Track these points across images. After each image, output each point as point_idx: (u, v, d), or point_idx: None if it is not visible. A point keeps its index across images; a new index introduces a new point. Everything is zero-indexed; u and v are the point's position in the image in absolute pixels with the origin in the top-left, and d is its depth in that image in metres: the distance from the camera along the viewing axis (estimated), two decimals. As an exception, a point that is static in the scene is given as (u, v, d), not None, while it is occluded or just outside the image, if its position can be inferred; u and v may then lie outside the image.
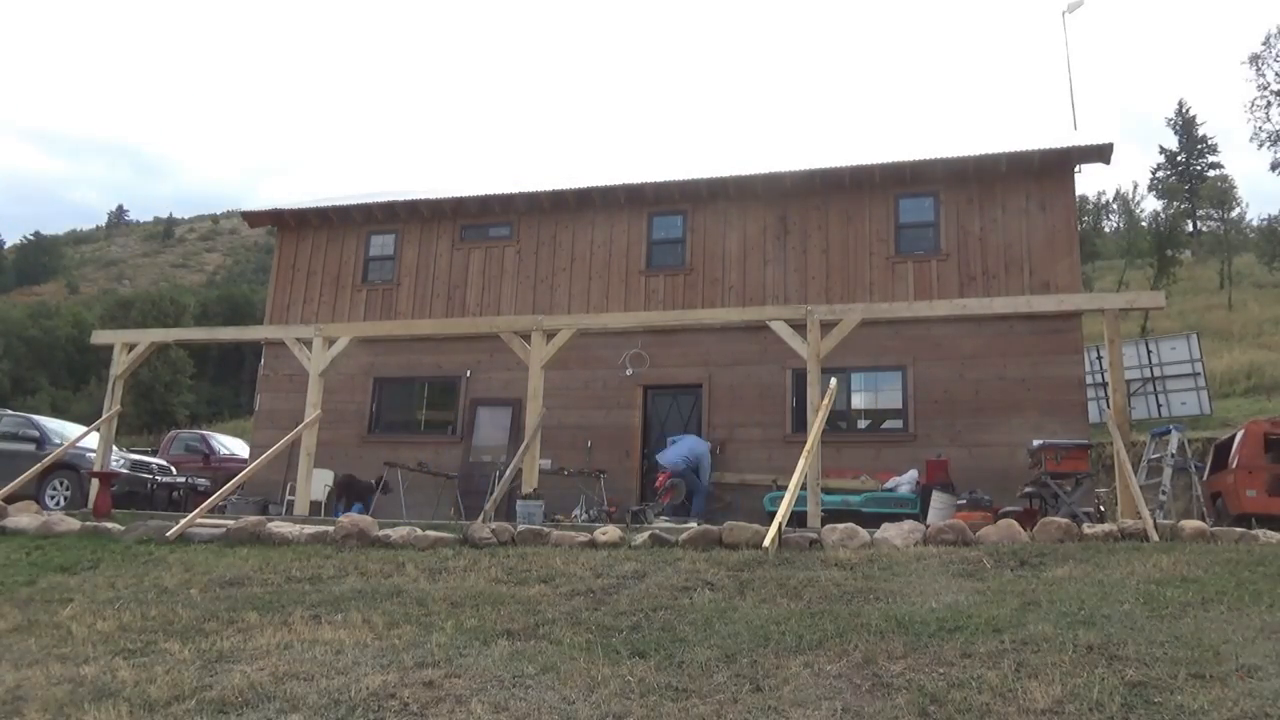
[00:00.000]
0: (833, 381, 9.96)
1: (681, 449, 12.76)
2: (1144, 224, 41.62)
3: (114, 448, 13.41)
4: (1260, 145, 46.08)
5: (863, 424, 13.68)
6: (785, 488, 8.90)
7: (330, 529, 8.28)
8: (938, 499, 11.19)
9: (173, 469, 16.42)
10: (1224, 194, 48.48)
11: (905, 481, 12.05)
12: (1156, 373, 21.82)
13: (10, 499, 10.41)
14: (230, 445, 19.95)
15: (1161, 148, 66.13)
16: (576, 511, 12.83)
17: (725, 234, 14.79)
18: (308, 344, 11.78)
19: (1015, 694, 3.68)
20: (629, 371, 14.35)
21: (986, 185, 13.91)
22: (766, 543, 7.09)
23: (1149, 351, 22.11)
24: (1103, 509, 11.54)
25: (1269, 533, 7.53)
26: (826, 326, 10.05)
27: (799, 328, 10.19)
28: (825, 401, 9.58)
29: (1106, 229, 47.45)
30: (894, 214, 14.19)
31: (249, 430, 17.89)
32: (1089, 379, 16.94)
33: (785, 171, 14.60)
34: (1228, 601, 4.97)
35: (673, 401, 14.46)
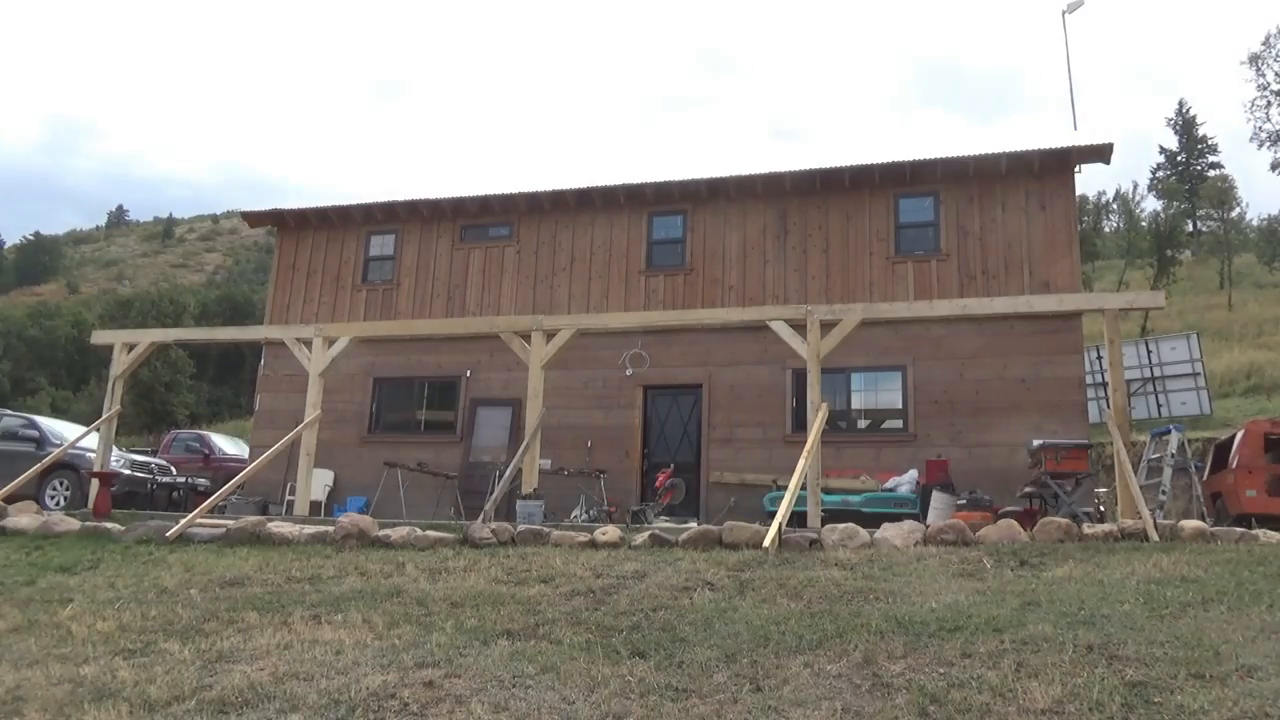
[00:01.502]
0: (824, 407, 9.73)
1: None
2: (1144, 224, 41.63)
3: (114, 448, 13.40)
4: (1260, 145, 46.11)
5: (863, 424, 13.68)
6: (785, 488, 8.90)
7: (330, 529, 8.28)
8: (938, 499, 11.19)
9: (172, 469, 16.42)
10: (1224, 194, 48.47)
11: (905, 481, 12.05)
12: (1156, 373, 21.82)
13: (10, 499, 10.41)
14: (228, 448, 19.94)
15: (1161, 148, 66.12)
16: (576, 512, 12.83)
17: (725, 234, 14.79)
18: (308, 344, 11.77)
19: (1015, 694, 3.68)
20: (629, 371, 14.36)
21: (986, 185, 13.91)
22: (766, 543, 7.10)
23: (1149, 351, 22.11)
24: (1103, 509, 11.53)
25: (1269, 533, 7.54)
26: (826, 326, 10.05)
27: (799, 328, 10.18)
28: (818, 420, 9.49)
29: (1106, 229, 47.43)
30: (894, 214, 14.19)
31: (249, 430, 17.89)
32: (1089, 379, 16.93)
33: (785, 171, 14.60)
34: (1228, 601, 4.97)
35: (673, 401, 14.46)
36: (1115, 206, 46.41)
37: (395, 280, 16.20)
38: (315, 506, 13.06)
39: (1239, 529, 7.75)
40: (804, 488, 9.06)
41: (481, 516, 9.17)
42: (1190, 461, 13.07)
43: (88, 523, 9.21)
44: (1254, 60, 44.20)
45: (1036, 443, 10.77)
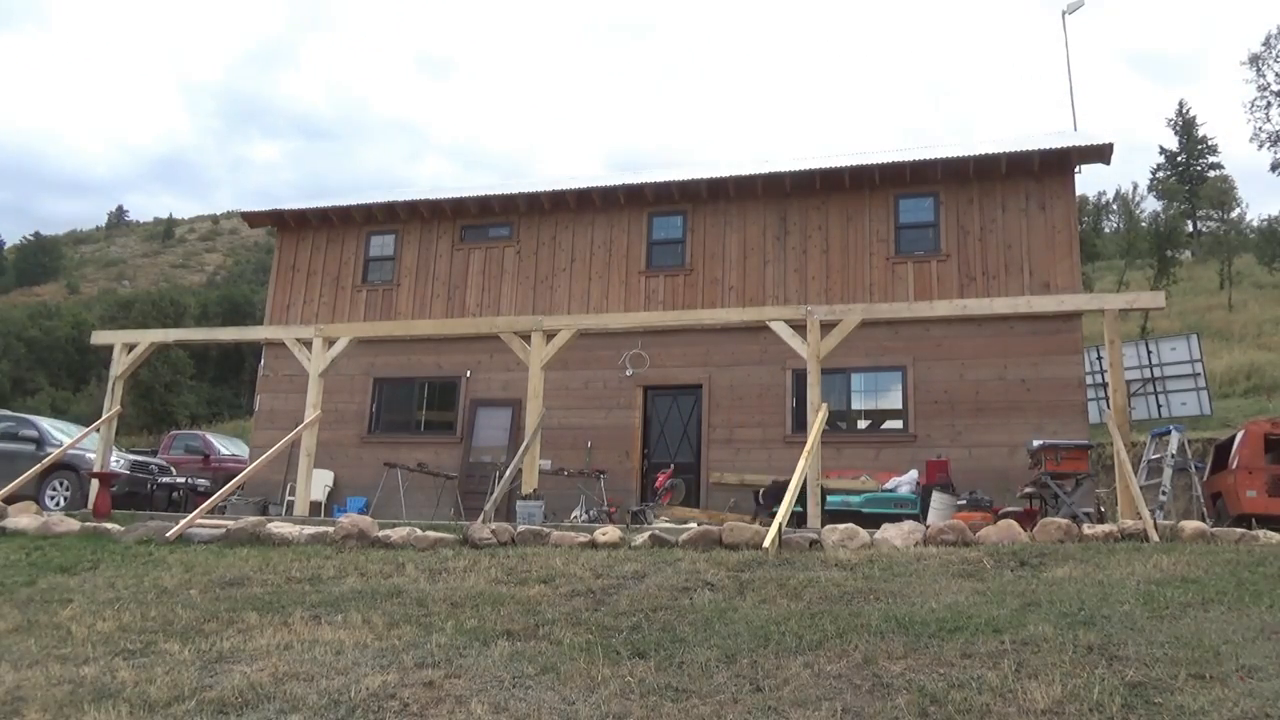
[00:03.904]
0: (824, 407, 9.76)
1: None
2: (1144, 224, 41.62)
3: (114, 448, 13.40)
4: (1260, 145, 46.05)
5: (863, 424, 13.69)
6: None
7: (330, 529, 8.28)
8: (938, 499, 11.19)
9: (172, 469, 16.42)
10: (1224, 194, 48.50)
11: (905, 482, 12.04)
12: (1156, 373, 21.80)
13: (10, 499, 10.41)
14: (227, 448, 19.93)
15: (1161, 148, 66.01)
16: (576, 512, 12.84)
17: (725, 234, 14.80)
18: (308, 344, 11.78)
19: (1015, 694, 3.69)
20: (629, 371, 14.36)
21: (986, 185, 13.92)
22: (766, 543, 7.10)
23: (1149, 352, 22.08)
24: (1103, 509, 11.54)
25: (1269, 533, 7.53)
26: (826, 327, 10.06)
27: (799, 328, 10.19)
28: (818, 420, 9.50)
29: (1106, 229, 47.46)
30: (894, 214, 14.19)
31: (249, 430, 17.89)
32: (1089, 379, 16.93)
33: (785, 171, 14.61)
34: (1228, 602, 4.97)
35: (673, 401, 14.46)
36: (1115, 207, 46.47)
37: (395, 281, 16.20)
38: (315, 507, 13.06)
39: (1239, 529, 7.75)
40: (804, 488, 9.06)
41: (481, 517, 9.17)
42: (1190, 462, 13.06)
43: (88, 523, 9.21)
44: (1254, 60, 44.15)
45: (1037, 443, 10.77)
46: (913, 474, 12.16)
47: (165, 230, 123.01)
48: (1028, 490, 10.95)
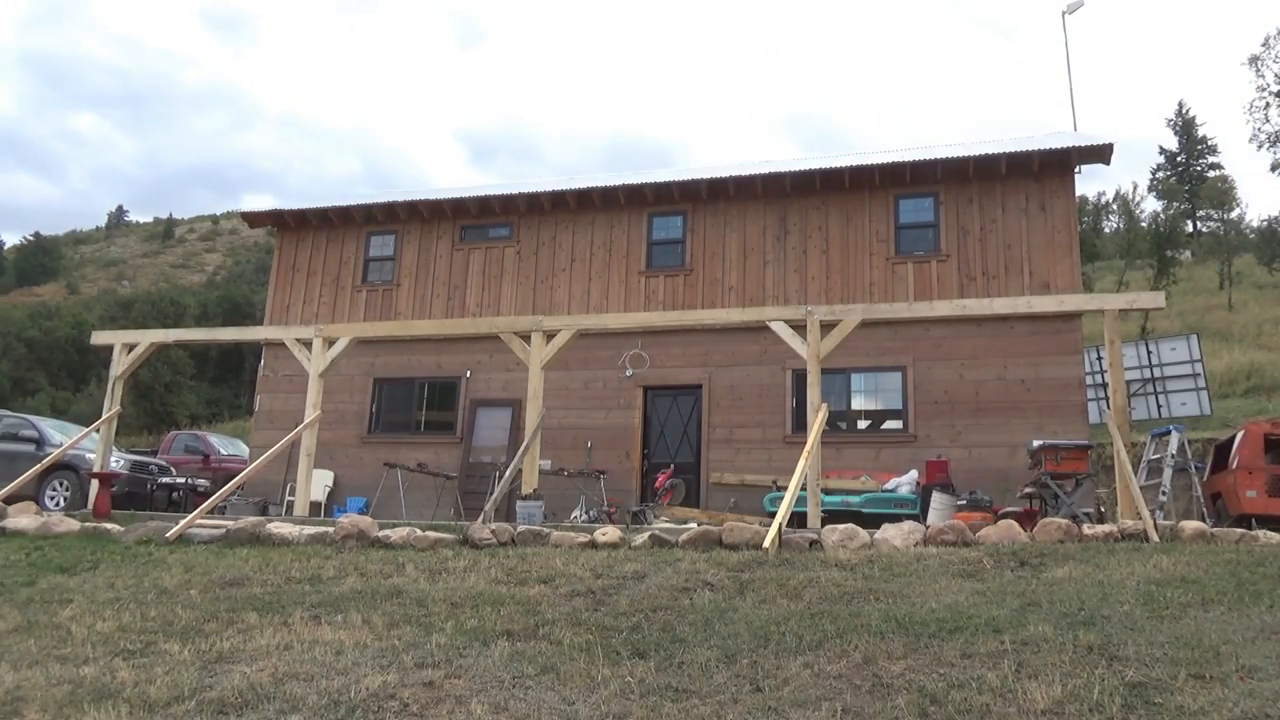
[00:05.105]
0: (824, 407, 9.77)
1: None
2: (1144, 224, 41.59)
3: (114, 448, 13.39)
4: (1260, 146, 45.97)
5: (863, 424, 13.69)
6: (785, 488, 8.91)
7: (330, 530, 8.28)
8: (938, 499, 11.19)
9: (172, 469, 16.42)
10: (1224, 194, 48.48)
11: (905, 482, 12.05)
12: (1156, 373, 21.80)
13: (10, 499, 10.41)
14: (227, 449, 19.93)
15: (1161, 148, 66.03)
16: (576, 512, 12.83)
17: (725, 234, 14.80)
18: (307, 345, 11.77)
19: (1015, 694, 3.69)
20: (629, 372, 14.36)
21: (986, 185, 13.92)
22: (766, 543, 7.10)
23: (1149, 352, 22.08)
24: (1103, 509, 11.54)
25: (1269, 533, 7.54)
26: (826, 327, 10.05)
27: (799, 328, 10.19)
28: (818, 421, 9.51)
29: (1106, 229, 47.41)
30: (894, 214, 14.19)
31: (249, 430, 17.89)
32: (1089, 379, 16.93)
33: (785, 172, 14.61)
34: (1228, 602, 4.97)
35: (673, 402, 14.46)
36: (1115, 207, 46.42)
37: (395, 281, 16.20)
38: (315, 507, 13.07)
39: (1239, 529, 7.75)
40: (804, 488, 9.06)
41: (481, 517, 9.17)
42: (1190, 462, 13.06)
43: (87, 523, 9.21)
44: (1254, 61, 44.06)
45: (1037, 443, 10.76)
46: (913, 474, 12.17)
47: (165, 230, 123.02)
48: (1028, 490, 10.95)
